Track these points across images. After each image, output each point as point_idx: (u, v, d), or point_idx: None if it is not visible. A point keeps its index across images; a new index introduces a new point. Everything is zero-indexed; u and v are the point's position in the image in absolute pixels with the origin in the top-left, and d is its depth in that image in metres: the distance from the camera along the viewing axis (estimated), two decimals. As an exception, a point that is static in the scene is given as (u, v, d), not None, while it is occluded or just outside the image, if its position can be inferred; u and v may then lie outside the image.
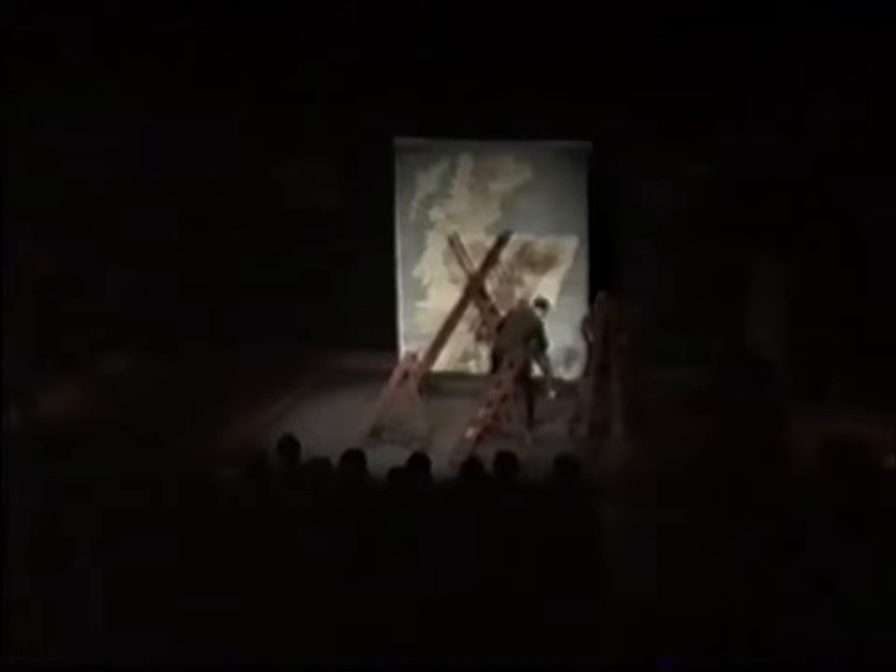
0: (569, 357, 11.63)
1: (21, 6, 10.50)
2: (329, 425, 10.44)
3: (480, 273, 11.63)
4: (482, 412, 10.19)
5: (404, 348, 11.55)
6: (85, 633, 5.98)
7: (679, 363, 11.16)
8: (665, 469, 9.32)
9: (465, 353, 11.87)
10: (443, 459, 9.28)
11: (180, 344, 11.88)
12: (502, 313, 11.31)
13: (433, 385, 11.46)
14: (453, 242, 11.64)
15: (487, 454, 7.38)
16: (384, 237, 11.90)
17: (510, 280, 11.73)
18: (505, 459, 6.84)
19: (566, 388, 11.26)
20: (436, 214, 11.89)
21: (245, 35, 11.67)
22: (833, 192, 11.01)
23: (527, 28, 11.06)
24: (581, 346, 11.40)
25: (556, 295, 11.65)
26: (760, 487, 7.33)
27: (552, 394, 11.20)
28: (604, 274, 11.54)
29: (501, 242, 11.59)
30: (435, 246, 11.91)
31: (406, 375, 10.45)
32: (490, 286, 11.69)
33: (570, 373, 11.58)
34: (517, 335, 10.60)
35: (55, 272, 11.44)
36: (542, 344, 10.74)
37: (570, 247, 11.69)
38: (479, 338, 11.66)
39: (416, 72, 11.43)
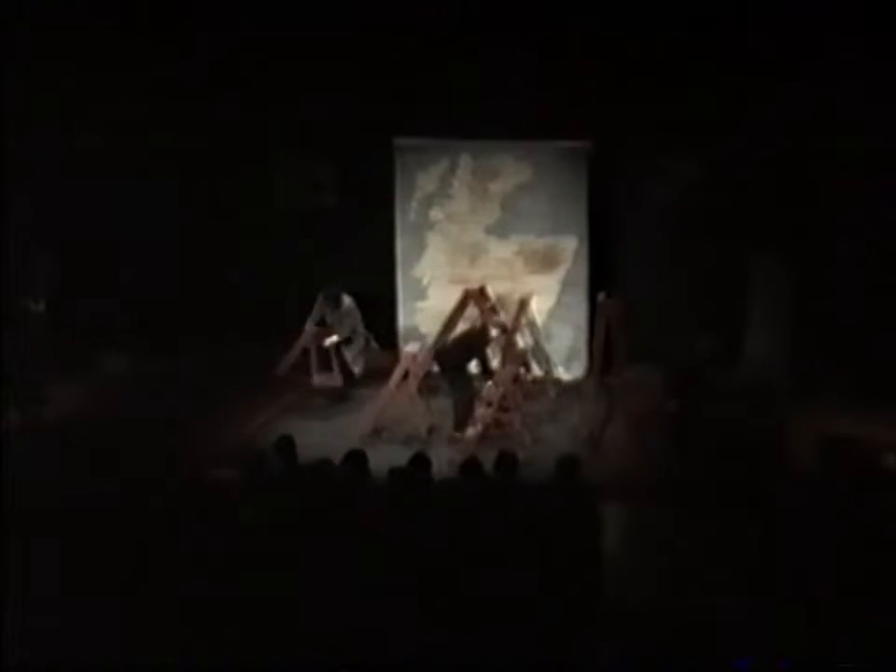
0: (569, 357, 11.62)
1: (22, 5, 10.51)
2: (330, 424, 10.44)
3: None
4: (481, 412, 10.18)
5: (404, 348, 11.53)
6: (84, 633, 5.97)
7: (680, 363, 11.13)
8: (665, 469, 9.31)
9: (465, 353, 11.82)
10: (443, 459, 9.28)
11: (180, 344, 11.88)
12: (503, 314, 11.28)
13: (433, 385, 11.43)
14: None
15: (487, 454, 7.37)
16: (384, 237, 11.89)
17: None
18: (505, 459, 6.84)
19: (565, 388, 11.26)
20: (436, 214, 11.88)
21: (245, 35, 11.65)
22: (833, 192, 11.01)
23: (527, 28, 11.05)
24: (581, 347, 11.39)
25: (556, 295, 11.66)
26: (760, 487, 7.32)
27: (551, 394, 11.20)
28: (604, 274, 11.54)
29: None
30: (435, 246, 11.91)
31: (406, 375, 10.43)
32: (490, 286, 11.68)
33: (570, 373, 11.59)
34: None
35: (56, 272, 11.43)
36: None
37: (570, 247, 11.69)
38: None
39: (416, 72, 11.42)
